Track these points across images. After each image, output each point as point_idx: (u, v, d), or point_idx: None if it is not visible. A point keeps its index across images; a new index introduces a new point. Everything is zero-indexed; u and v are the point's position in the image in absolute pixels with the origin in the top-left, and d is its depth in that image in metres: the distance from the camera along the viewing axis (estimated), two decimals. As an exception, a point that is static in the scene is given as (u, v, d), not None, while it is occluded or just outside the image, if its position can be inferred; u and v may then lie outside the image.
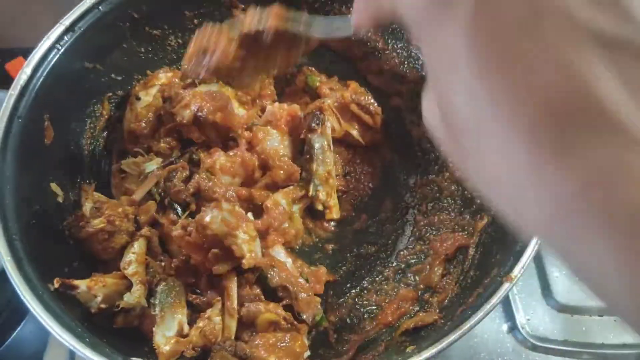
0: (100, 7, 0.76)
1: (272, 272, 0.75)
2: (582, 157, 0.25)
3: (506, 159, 0.28)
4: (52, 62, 0.71)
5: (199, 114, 0.81)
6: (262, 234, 0.78)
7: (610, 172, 0.24)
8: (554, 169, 0.26)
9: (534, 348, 0.85)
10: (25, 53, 0.70)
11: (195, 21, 0.89)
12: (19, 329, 0.94)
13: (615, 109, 0.24)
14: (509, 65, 0.27)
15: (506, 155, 0.28)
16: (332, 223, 0.88)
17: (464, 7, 0.28)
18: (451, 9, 0.28)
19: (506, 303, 0.89)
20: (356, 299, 0.82)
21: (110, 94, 0.84)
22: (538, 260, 0.93)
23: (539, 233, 0.30)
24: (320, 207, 0.85)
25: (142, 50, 0.86)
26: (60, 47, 0.72)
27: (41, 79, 0.70)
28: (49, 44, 0.71)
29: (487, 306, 0.61)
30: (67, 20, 0.73)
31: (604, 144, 0.24)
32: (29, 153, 0.69)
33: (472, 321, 0.60)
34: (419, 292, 0.78)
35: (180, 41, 0.90)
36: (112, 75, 0.83)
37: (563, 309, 0.88)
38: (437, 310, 0.72)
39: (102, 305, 0.69)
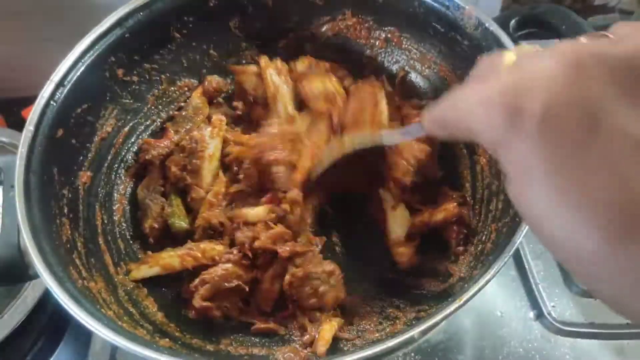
0: (82, 61, 0.80)
1: None
2: None
3: (582, 244, 0.33)
4: (51, 117, 0.75)
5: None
6: None
7: None
8: (624, 254, 0.31)
9: (562, 333, 0.87)
10: None
11: (163, 76, 0.94)
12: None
13: None
14: (572, 174, 0.32)
15: (582, 242, 0.33)
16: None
17: (530, 127, 0.33)
18: (521, 126, 0.34)
19: (530, 292, 0.91)
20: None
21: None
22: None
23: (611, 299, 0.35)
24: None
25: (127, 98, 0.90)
26: (54, 103, 0.76)
27: (44, 134, 0.74)
28: (44, 101, 0.75)
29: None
30: (56, 77, 0.77)
31: None
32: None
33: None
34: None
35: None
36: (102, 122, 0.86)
37: (585, 294, 0.90)
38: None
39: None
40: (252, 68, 0.93)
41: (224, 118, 0.91)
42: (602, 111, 0.32)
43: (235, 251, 0.80)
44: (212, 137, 0.88)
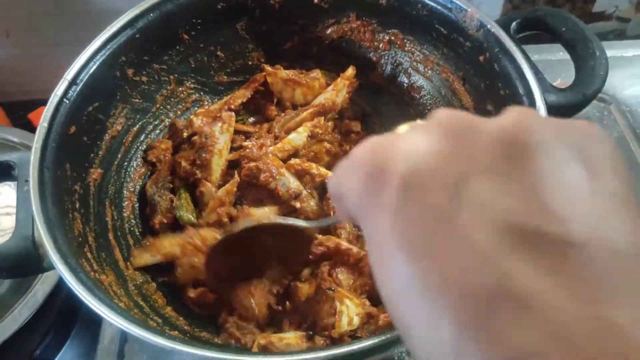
0: (94, 60, 0.82)
1: None
2: (500, 340, 0.25)
3: (433, 337, 0.28)
4: (64, 114, 0.77)
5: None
6: None
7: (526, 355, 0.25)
8: (474, 352, 0.26)
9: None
10: (46, 103, 0.76)
11: (172, 76, 0.96)
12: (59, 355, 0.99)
13: (530, 295, 0.25)
14: (427, 256, 0.28)
15: (431, 327, 0.28)
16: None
17: (389, 195, 0.30)
18: (380, 197, 0.31)
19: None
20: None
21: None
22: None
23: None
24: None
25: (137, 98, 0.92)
26: (67, 101, 0.78)
27: (58, 131, 0.76)
28: (57, 99, 0.77)
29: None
30: (69, 75, 0.79)
31: (522, 329, 0.25)
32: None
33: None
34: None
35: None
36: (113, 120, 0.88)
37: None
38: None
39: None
40: (282, 73, 0.96)
41: (233, 114, 0.93)
42: (467, 184, 0.29)
43: None
44: (221, 133, 0.91)
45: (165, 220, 0.88)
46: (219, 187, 0.90)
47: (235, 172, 0.89)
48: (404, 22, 0.93)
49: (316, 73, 0.97)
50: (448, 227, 0.28)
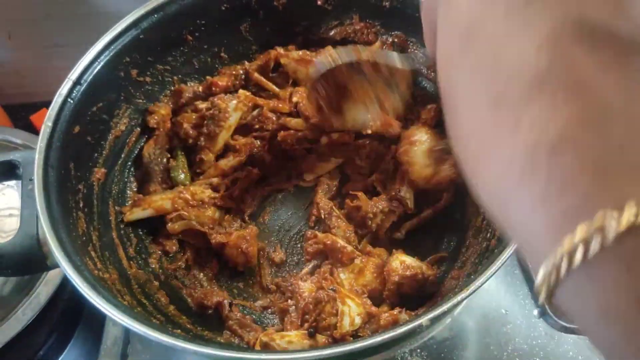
0: (98, 61, 0.82)
1: None
2: (537, 121, 0.27)
3: (475, 117, 0.31)
4: (68, 114, 0.77)
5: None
6: None
7: (555, 140, 0.26)
8: (510, 128, 0.28)
9: (565, 330, 0.88)
10: (48, 105, 0.76)
11: (175, 77, 0.96)
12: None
13: (583, 82, 0.26)
14: (493, 38, 0.30)
15: (475, 114, 0.31)
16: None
17: None
18: None
19: (534, 290, 0.93)
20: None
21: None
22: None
23: (488, 191, 0.32)
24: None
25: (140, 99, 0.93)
26: (72, 101, 0.78)
27: (62, 130, 0.76)
28: (61, 99, 0.77)
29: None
30: (73, 75, 0.79)
31: (563, 111, 0.26)
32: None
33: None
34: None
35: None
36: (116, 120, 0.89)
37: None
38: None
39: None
40: (293, 53, 0.97)
41: (249, 94, 0.95)
42: None
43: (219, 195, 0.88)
44: (235, 110, 0.92)
45: (159, 189, 0.90)
46: (218, 158, 0.93)
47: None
48: (407, 24, 0.94)
49: (328, 49, 0.96)
50: (518, 13, 0.29)
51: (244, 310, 0.85)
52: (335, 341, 0.72)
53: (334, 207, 0.89)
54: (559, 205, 0.25)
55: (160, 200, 0.86)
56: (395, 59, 0.71)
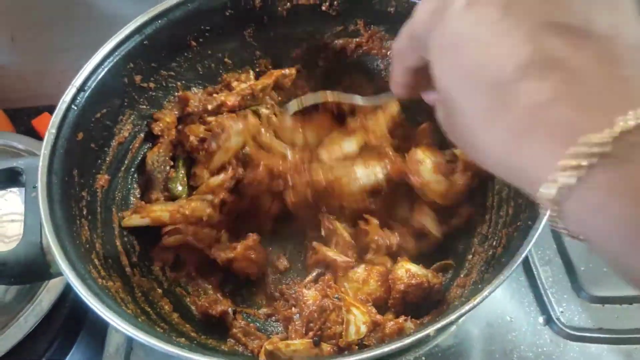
0: (102, 67, 0.82)
1: None
2: (530, 91, 0.35)
3: (476, 98, 0.39)
4: (72, 121, 0.77)
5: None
6: None
7: (547, 100, 0.34)
8: (510, 100, 0.36)
9: (571, 337, 0.88)
10: (50, 109, 0.76)
11: (179, 83, 0.96)
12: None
13: (558, 58, 0.35)
14: (483, 40, 0.38)
15: (476, 95, 0.39)
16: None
17: (456, 8, 0.40)
18: (447, 12, 0.40)
19: (539, 298, 0.92)
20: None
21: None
22: (564, 255, 0.96)
23: (493, 152, 0.39)
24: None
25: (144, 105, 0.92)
26: (75, 107, 0.78)
27: (65, 137, 0.76)
28: (65, 105, 0.76)
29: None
30: (77, 82, 0.79)
31: (550, 80, 0.35)
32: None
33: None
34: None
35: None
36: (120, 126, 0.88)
37: (594, 300, 0.91)
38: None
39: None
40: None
41: (257, 121, 0.94)
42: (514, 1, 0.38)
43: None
44: (237, 134, 0.91)
45: (161, 197, 0.89)
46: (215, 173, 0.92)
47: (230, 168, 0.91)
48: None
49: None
50: (499, 23, 0.37)
51: (247, 318, 0.85)
52: (341, 350, 0.72)
53: (337, 223, 0.88)
54: (562, 141, 0.33)
55: (160, 211, 0.85)
56: (358, 99, 0.82)
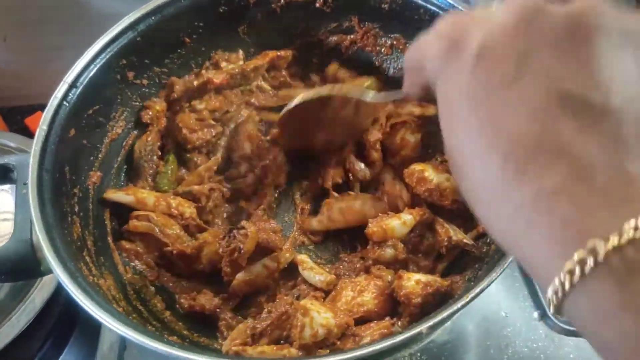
0: (94, 63, 0.81)
1: None
2: (536, 178, 0.34)
3: (484, 171, 0.37)
4: (64, 117, 0.76)
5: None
6: None
7: (552, 192, 0.33)
8: (515, 184, 0.35)
9: (565, 333, 0.87)
10: (44, 108, 0.75)
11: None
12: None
13: (566, 146, 0.33)
14: (491, 107, 0.36)
15: (484, 160, 0.37)
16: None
17: (465, 60, 0.38)
18: (458, 58, 0.38)
19: (534, 293, 0.92)
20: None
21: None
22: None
23: (500, 231, 0.38)
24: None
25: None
26: (67, 104, 0.77)
27: (57, 133, 0.75)
28: (57, 102, 0.76)
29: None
30: (69, 78, 0.78)
31: (553, 172, 0.33)
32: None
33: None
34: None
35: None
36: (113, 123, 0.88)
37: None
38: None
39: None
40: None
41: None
42: (532, 57, 0.36)
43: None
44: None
45: (147, 187, 0.89)
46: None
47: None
48: (406, 27, 0.93)
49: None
50: (509, 87, 0.36)
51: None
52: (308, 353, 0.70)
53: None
54: (559, 239, 0.33)
55: (147, 194, 0.85)
56: (367, 95, 0.78)
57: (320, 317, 0.71)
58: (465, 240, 0.80)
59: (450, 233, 0.80)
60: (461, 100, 0.38)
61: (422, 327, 0.60)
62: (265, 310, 0.74)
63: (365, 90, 0.81)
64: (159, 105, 0.92)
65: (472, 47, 0.37)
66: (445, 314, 0.61)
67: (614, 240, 0.30)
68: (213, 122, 0.94)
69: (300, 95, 0.79)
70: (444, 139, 0.41)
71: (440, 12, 0.85)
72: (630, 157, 0.32)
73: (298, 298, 0.79)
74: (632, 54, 0.35)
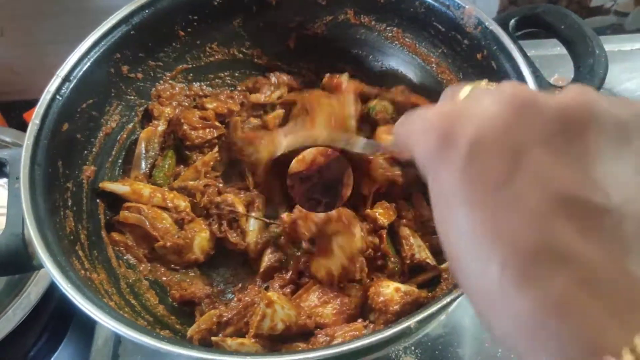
0: (88, 57, 0.81)
1: None
2: (538, 288, 0.31)
3: (482, 277, 0.34)
4: (57, 111, 0.76)
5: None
6: None
7: (557, 303, 0.31)
8: (516, 293, 0.32)
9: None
10: None
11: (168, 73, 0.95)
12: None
13: (569, 251, 0.31)
14: (486, 211, 0.34)
15: (482, 268, 0.34)
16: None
17: (456, 157, 0.35)
18: (448, 155, 0.36)
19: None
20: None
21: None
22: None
23: (501, 332, 0.35)
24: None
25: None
26: (60, 98, 0.77)
27: (50, 128, 0.75)
28: (50, 96, 0.76)
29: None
30: (62, 72, 0.78)
31: (557, 279, 0.31)
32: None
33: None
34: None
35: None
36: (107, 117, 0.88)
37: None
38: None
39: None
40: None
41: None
42: (525, 154, 0.34)
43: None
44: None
45: (141, 178, 0.89)
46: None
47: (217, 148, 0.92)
48: (401, 20, 0.92)
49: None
50: (504, 189, 0.34)
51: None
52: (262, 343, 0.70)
53: None
54: (570, 355, 0.30)
55: (142, 185, 0.85)
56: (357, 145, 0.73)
57: (282, 312, 0.71)
58: (427, 260, 0.80)
59: (414, 250, 0.80)
60: (455, 201, 0.36)
61: (411, 321, 0.60)
62: (235, 298, 0.74)
63: (356, 138, 0.77)
64: (170, 109, 0.93)
65: (462, 144, 0.35)
66: (434, 308, 0.60)
67: (627, 358, 0.28)
68: (217, 124, 0.93)
69: (284, 144, 0.80)
70: (439, 234, 0.39)
71: (436, 4, 0.85)
72: (630, 257, 0.31)
73: (267, 289, 0.79)
74: (628, 149, 0.34)
